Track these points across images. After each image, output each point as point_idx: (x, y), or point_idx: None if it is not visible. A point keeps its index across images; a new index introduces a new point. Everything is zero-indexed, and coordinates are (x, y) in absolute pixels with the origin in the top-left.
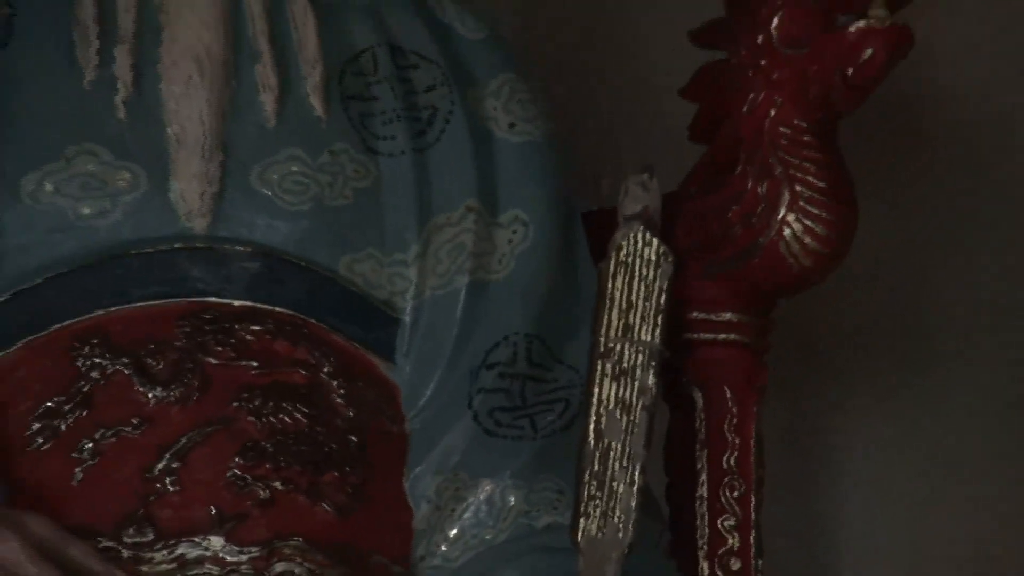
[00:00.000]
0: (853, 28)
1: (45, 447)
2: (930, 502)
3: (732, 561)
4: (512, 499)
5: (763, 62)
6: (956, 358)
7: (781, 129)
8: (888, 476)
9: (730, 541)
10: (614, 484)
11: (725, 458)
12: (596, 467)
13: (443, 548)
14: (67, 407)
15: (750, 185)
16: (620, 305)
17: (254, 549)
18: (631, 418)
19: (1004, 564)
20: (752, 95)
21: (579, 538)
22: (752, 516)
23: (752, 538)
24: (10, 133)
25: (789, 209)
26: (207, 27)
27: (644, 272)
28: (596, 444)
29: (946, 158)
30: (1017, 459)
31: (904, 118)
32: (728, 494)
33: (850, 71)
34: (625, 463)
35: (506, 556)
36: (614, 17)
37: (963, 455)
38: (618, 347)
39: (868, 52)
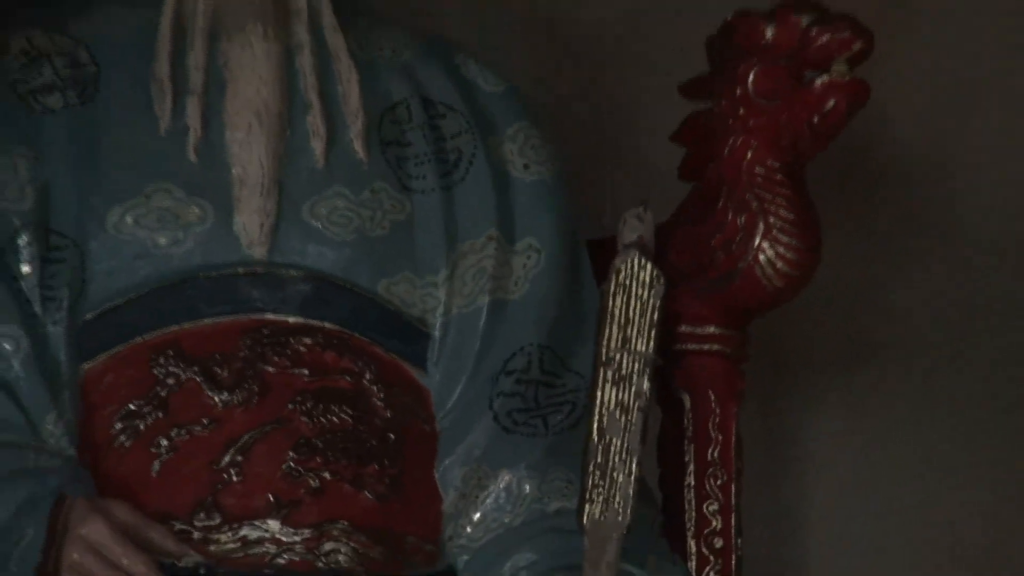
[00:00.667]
0: (818, 83)
1: (127, 444)
2: (884, 492)
3: (715, 540)
4: (527, 487)
5: (741, 111)
6: (900, 363)
7: (757, 169)
8: (846, 469)
9: (713, 523)
10: (614, 475)
11: (709, 452)
12: (599, 460)
13: (468, 530)
14: (146, 409)
15: (730, 217)
16: (619, 321)
17: (306, 531)
18: (629, 418)
19: (957, 543)
20: (732, 140)
21: (584, 521)
22: (732, 502)
23: (732, 520)
24: (97, 173)
25: (763, 238)
26: (265, 83)
27: (640, 292)
28: (599, 440)
29: (893, 195)
30: (954, 455)
31: (858, 159)
32: (712, 483)
33: (816, 119)
34: (624, 456)
35: (522, 537)
36: (613, 74)
37: (908, 450)
38: (617, 357)
39: (831, 103)
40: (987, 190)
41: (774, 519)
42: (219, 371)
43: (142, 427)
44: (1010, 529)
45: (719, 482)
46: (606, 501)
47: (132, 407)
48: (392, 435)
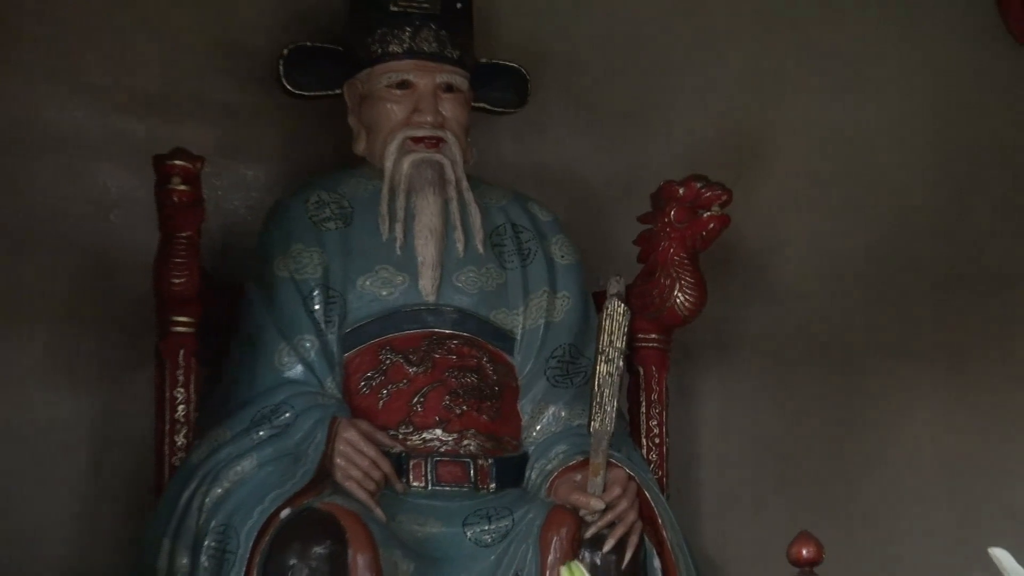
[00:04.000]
0: (705, 216)
1: (366, 392)
2: (751, 422)
3: (654, 439)
4: (563, 413)
5: (667, 230)
6: (747, 357)
7: (674, 258)
8: (719, 408)
9: (654, 431)
10: (606, 407)
11: (651, 396)
12: (598, 399)
13: (533, 434)
14: (375, 376)
15: (662, 281)
16: (607, 332)
17: (454, 434)
18: (612, 379)
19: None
20: (663, 243)
21: (590, 429)
22: (664, 420)
23: (664, 430)
24: (351, 260)
25: (679, 291)
26: (433, 216)
27: (618, 318)
28: (598, 389)
29: (738, 267)
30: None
31: (722, 252)
32: (652, 411)
33: (704, 234)
34: (610, 397)
35: (559, 437)
36: (592, 210)
37: (758, 402)
38: (607, 350)
39: (711, 226)
40: (794, 267)
41: (683, 432)
42: (411, 357)
43: (373, 384)
44: None
45: (656, 410)
46: (601, 419)
47: (368, 375)
48: (497, 388)
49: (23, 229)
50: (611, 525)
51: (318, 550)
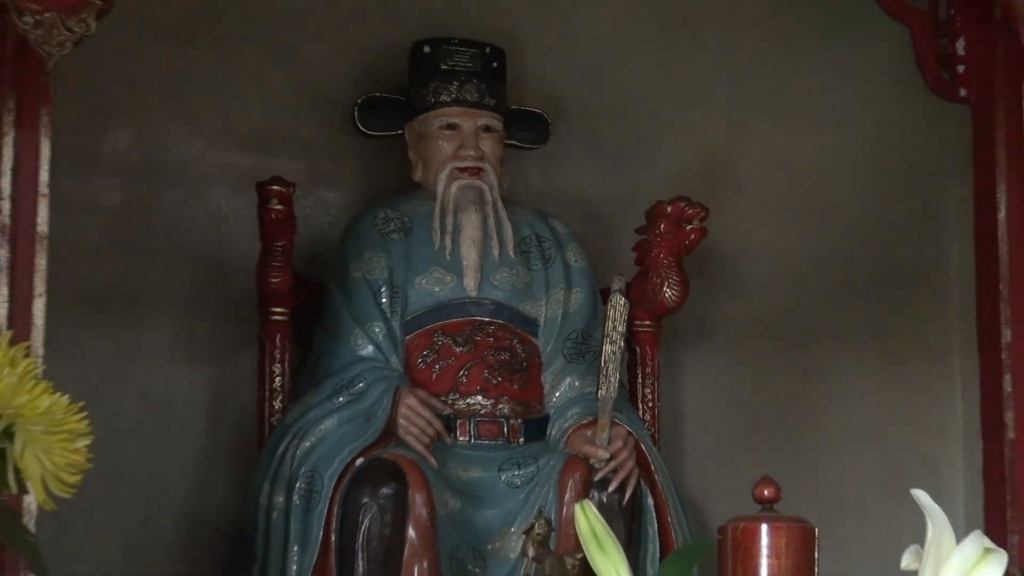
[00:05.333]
0: (688, 228)
1: (422, 367)
2: (720, 400)
3: (648, 403)
4: (576, 383)
5: (659, 239)
6: (723, 340)
7: (664, 260)
8: (697, 379)
9: (648, 397)
10: (611, 378)
11: (646, 369)
12: (604, 372)
13: (553, 400)
14: (429, 355)
15: (654, 279)
16: (611, 320)
17: (491, 400)
18: (615, 356)
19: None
20: (655, 250)
21: (598, 396)
22: (656, 392)
23: (656, 396)
24: (410, 263)
25: (667, 287)
26: (475, 228)
27: (620, 309)
28: (604, 364)
29: (710, 270)
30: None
31: (698, 257)
32: (646, 381)
33: (687, 242)
34: (613, 370)
35: (573, 401)
36: (599, 224)
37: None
38: (611, 334)
39: (693, 236)
40: (757, 268)
41: (670, 398)
42: (458, 339)
43: (428, 361)
44: None
45: (649, 381)
46: (606, 387)
47: (424, 353)
48: (524, 363)
49: (154, 240)
50: (614, 471)
51: (385, 490)
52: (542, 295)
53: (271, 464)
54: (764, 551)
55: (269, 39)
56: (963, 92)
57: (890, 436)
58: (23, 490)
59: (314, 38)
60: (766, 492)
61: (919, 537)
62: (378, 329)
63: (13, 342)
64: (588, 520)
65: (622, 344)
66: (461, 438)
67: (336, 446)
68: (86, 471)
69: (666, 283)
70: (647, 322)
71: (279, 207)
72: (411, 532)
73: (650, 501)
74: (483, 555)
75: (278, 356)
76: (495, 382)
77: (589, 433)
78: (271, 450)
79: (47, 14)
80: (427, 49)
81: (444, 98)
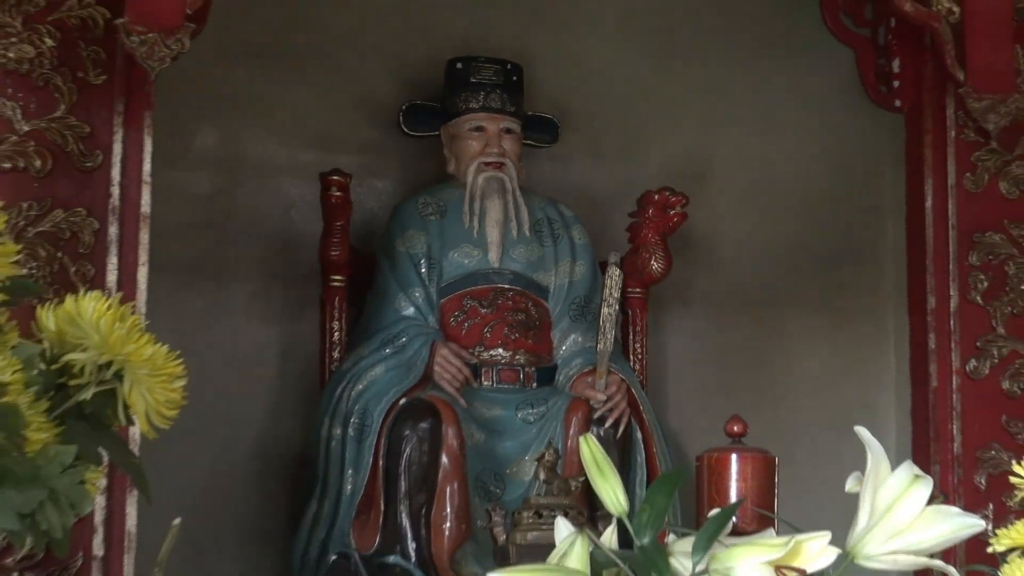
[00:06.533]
0: (672, 213)
1: (453, 325)
2: (699, 362)
3: (637, 354)
4: (580, 339)
5: (647, 222)
6: (701, 307)
7: (652, 239)
8: (674, 335)
9: (638, 349)
10: (608, 335)
11: (637, 327)
12: (602, 330)
13: (560, 352)
14: (460, 315)
15: (643, 255)
16: (608, 287)
17: (510, 352)
18: (611, 317)
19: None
20: (644, 231)
21: (597, 349)
22: (645, 347)
23: (644, 347)
24: (445, 240)
25: (654, 260)
26: (498, 212)
27: (615, 279)
28: (602, 324)
29: (689, 247)
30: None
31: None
32: (638, 336)
33: (670, 224)
34: (610, 329)
35: (576, 354)
36: (599, 209)
37: (686, 344)
38: (608, 299)
39: (676, 219)
40: (729, 246)
41: (656, 352)
42: (483, 303)
43: (459, 320)
44: None
45: (639, 337)
46: (604, 342)
47: (456, 314)
48: (537, 323)
49: (236, 221)
50: (610, 410)
51: (423, 425)
52: (552, 267)
53: (330, 403)
54: (734, 476)
55: (329, 56)
56: (898, 103)
57: (836, 384)
58: (130, 422)
59: (366, 56)
60: (735, 428)
61: (860, 466)
62: (418, 294)
63: (122, 302)
64: (590, 450)
65: (617, 307)
66: (485, 383)
67: (383, 388)
68: (181, 407)
69: (653, 258)
70: (637, 290)
71: (338, 193)
72: (444, 459)
73: (639, 435)
74: (503, 478)
75: (336, 315)
76: (513, 337)
77: (590, 379)
78: (330, 392)
79: (150, 35)
80: (459, 65)
81: (473, 105)
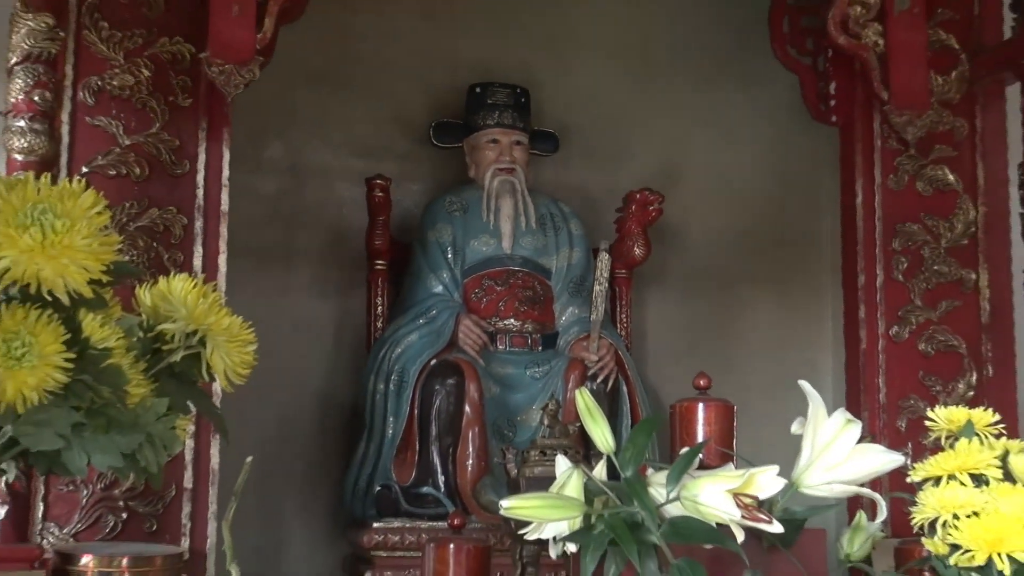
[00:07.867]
0: (651, 208)
1: (474, 300)
2: (681, 333)
3: (622, 325)
4: (577, 311)
5: (630, 216)
6: (672, 284)
7: (634, 230)
8: (657, 314)
9: (624, 319)
10: (599, 307)
11: (623, 302)
12: (594, 303)
13: (561, 321)
14: (479, 292)
15: (628, 243)
16: (599, 270)
17: (520, 321)
18: (602, 293)
19: None
20: (628, 223)
21: (591, 319)
22: (628, 318)
23: (629, 322)
24: (467, 231)
25: (637, 247)
26: (510, 209)
27: (605, 262)
28: (594, 298)
29: (665, 235)
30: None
31: (658, 226)
32: (624, 309)
33: (649, 218)
34: (601, 302)
35: (575, 323)
36: (592, 206)
37: (668, 314)
38: (599, 278)
39: (653, 214)
40: (695, 235)
41: (638, 322)
42: (498, 281)
43: (478, 296)
44: None
45: (625, 310)
46: (596, 313)
47: (476, 291)
48: (542, 298)
49: (298, 217)
50: (601, 369)
51: (450, 381)
52: (553, 253)
53: (375, 364)
54: (700, 421)
55: (373, 82)
56: (834, 119)
57: (784, 346)
58: (212, 379)
59: (402, 80)
60: (701, 382)
61: (803, 412)
62: (445, 275)
63: (205, 282)
64: (584, 401)
65: (606, 285)
66: (500, 347)
67: (417, 351)
68: (253, 367)
69: (636, 245)
70: (623, 271)
71: (380, 194)
72: (467, 408)
73: (625, 389)
74: (514, 424)
75: (379, 293)
76: (522, 310)
77: (585, 344)
78: (375, 354)
79: (227, 66)
80: (478, 89)
81: (489, 122)
